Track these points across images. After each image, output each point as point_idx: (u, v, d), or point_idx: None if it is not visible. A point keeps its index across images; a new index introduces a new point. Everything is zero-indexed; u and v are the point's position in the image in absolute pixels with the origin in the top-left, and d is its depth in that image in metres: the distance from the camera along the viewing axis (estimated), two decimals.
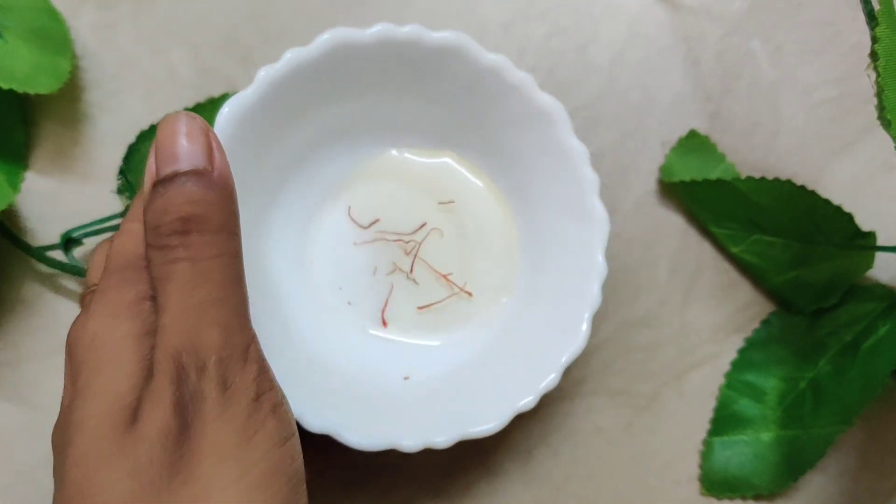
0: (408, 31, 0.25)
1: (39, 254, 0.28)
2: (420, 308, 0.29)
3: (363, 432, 0.25)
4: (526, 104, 0.26)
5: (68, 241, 0.28)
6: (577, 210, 0.26)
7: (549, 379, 0.25)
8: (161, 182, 0.19)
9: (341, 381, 0.27)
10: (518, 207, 0.29)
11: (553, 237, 0.28)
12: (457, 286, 0.29)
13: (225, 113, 0.25)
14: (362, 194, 0.29)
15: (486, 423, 0.25)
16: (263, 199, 0.27)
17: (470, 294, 0.29)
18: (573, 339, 0.25)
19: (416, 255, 0.29)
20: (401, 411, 0.26)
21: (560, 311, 0.26)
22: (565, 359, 0.25)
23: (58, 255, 0.28)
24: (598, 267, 0.26)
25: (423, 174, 0.29)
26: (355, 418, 0.26)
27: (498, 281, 0.29)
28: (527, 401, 0.25)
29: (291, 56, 0.25)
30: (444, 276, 0.29)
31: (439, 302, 0.29)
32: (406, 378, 0.28)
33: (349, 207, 0.29)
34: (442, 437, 0.25)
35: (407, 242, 0.29)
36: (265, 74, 0.25)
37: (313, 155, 0.28)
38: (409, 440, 0.25)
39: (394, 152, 0.29)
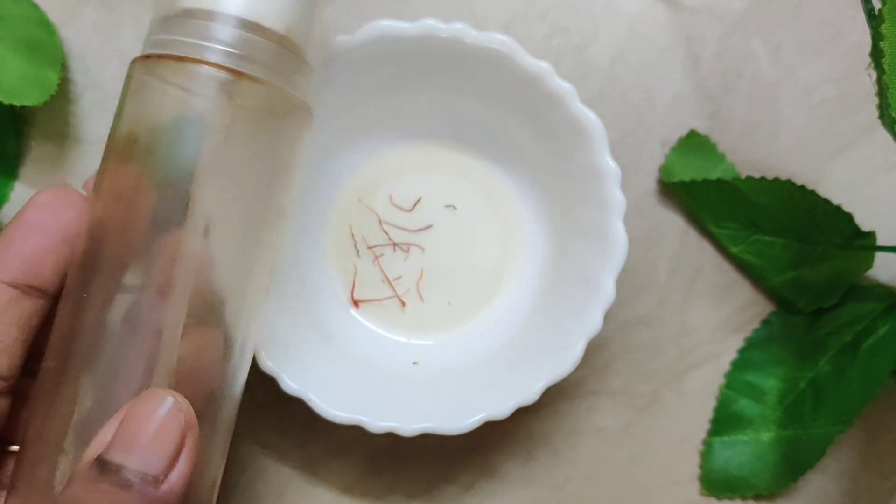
0: (452, 28, 0.25)
1: None
2: (358, 301, 0.29)
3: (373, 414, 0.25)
4: (564, 115, 0.26)
5: None
6: (597, 231, 0.26)
7: (531, 392, 0.25)
8: (101, 463, 0.17)
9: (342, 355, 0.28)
10: (534, 217, 0.29)
11: (567, 253, 0.27)
12: (396, 293, 0.29)
13: None
14: (376, 189, 0.29)
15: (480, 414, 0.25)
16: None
17: (404, 304, 0.29)
18: (564, 360, 0.25)
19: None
20: (405, 395, 0.27)
21: (558, 330, 0.26)
22: (544, 384, 0.25)
23: None
24: (605, 293, 0.25)
25: (440, 173, 0.29)
26: (372, 401, 0.26)
27: (485, 287, 0.29)
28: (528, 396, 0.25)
29: (335, 42, 0.25)
30: (389, 280, 0.29)
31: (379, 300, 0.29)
32: (415, 363, 0.28)
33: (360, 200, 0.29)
34: (443, 425, 0.25)
35: (413, 233, 0.29)
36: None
37: (335, 146, 0.28)
38: (411, 424, 0.25)
39: (412, 148, 0.29)
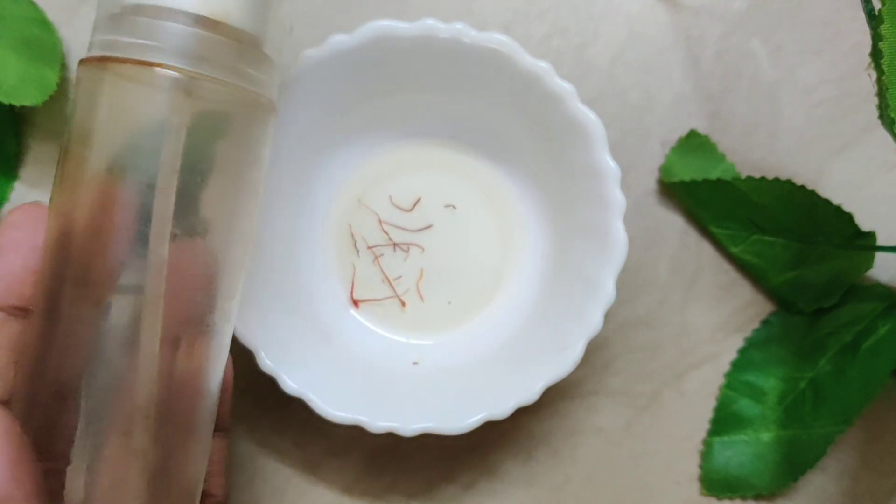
0: (452, 28, 0.25)
1: None
2: (358, 301, 0.29)
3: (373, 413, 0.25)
4: (563, 115, 0.26)
5: None
6: (597, 231, 0.26)
7: (531, 392, 0.25)
8: None
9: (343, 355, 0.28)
10: (534, 217, 0.29)
11: (567, 253, 0.27)
12: (396, 293, 0.29)
13: None
14: (376, 189, 0.29)
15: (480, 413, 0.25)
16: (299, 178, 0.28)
17: (404, 303, 0.29)
18: (564, 360, 0.25)
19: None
20: (406, 395, 0.27)
21: (558, 330, 0.26)
22: (544, 384, 0.25)
23: None
24: (605, 293, 0.25)
25: (440, 173, 0.29)
26: (372, 401, 0.26)
27: (485, 287, 0.29)
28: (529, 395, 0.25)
29: (334, 41, 0.25)
30: (389, 280, 0.29)
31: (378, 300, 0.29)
32: (415, 363, 0.28)
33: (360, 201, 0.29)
34: (443, 425, 0.25)
35: (413, 233, 0.29)
36: (307, 55, 0.25)
37: (334, 145, 0.28)
38: (411, 424, 0.25)
39: (412, 148, 0.29)
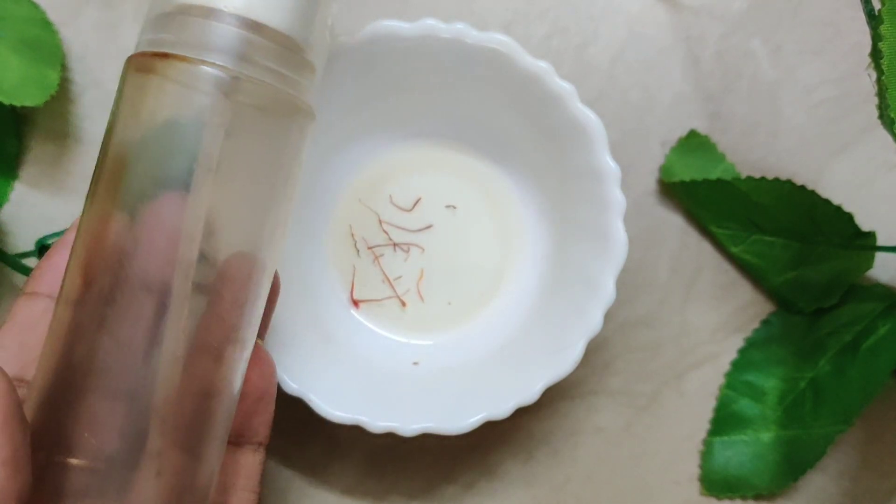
0: (452, 28, 0.25)
1: (14, 261, 0.28)
2: (358, 301, 0.29)
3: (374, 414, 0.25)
4: (564, 115, 0.26)
5: (42, 249, 0.28)
6: (597, 231, 0.26)
7: (531, 392, 0.25)
8: None
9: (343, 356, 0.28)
10: (534, 217, 0.29)
11: (567, 253, 0.27)
12: (396, 293, 0.29)
13: None
14: (376, 189, 0.29)
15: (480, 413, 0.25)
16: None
17: (404, 304, 0.29)
18: (564, 360, 0.25)
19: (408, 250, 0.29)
20: (406, 395, 0.27)
21: (558, 330, 0.26)
22: (544, 384, 0.25)
23: (34, 262, 0.28)
24: (605, 293, 0.25)
25: (440, 173, 0.29)
26: (372, 401, 0.26)
27: (485, 287, 0.29)
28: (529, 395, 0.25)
29: (335, 42, 0.25)
30: (389, 280, 0.29)
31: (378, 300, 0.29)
32: (415, 363, 0.28)
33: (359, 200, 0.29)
34: (443, 425, 0.25)
35: (413, 233, 0.29)
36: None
37: (334, 146, 0.28)
38: (411, 425, 0.25)
39: (412, 148, 0.29)
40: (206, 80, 0.19)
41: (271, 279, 0.21)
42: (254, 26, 0.19)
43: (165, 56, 0.19)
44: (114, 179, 0.19)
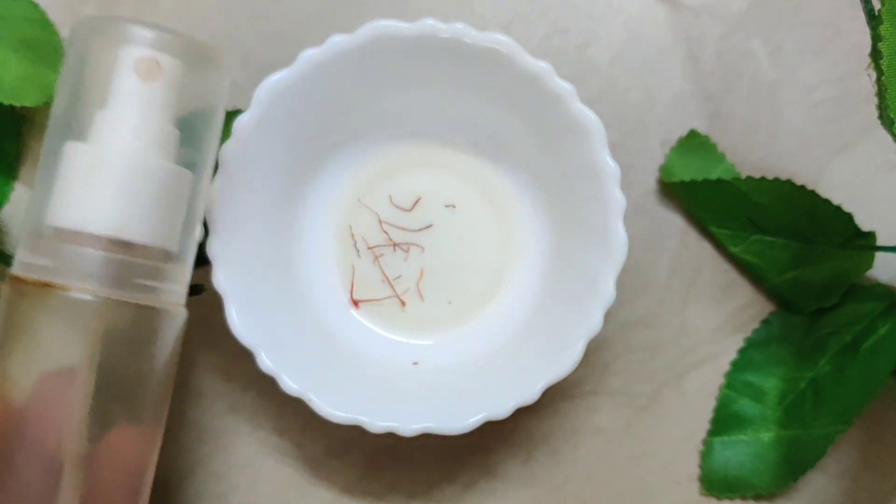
0: (452, 28, 0.25)
1: (13, 261, 0.28)
2: (358, 301, 0.29)
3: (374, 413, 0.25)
4: (563, 115, 0.26)
5: None
6: (597, 231, 0.26)
7: (531, 392, 0.25)
8: None
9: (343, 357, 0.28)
10: (534, 217, 0.29)
11: (567, 253, 0.27)
12: (395, 292, 0.29)
13: (260, 93, 0.25)
14: (376, 189, 0.29)
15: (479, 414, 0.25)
16: (297, 179, 0.28)
17: (404, 303, 0.29)
18: (564, 360, 0.25)
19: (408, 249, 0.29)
20: (406, 395, 0.27)
21: (558, 330, 0.26)
22: (544, 384, 0.25)
23: None
24: (605, 293, 0.25)
25: (440, 173, 0.29)
26: (372, 401, 0.26)
27: (485, 287, 0.29)
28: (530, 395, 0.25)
29: (334, 41, 0.25)
30: (389, 280, 0.29)
31: (378, 300, 0.29)
32: (415, 363, 0.28)
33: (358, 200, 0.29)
34: (443, 425, 0.25)
35: (413, 233, 0.29)
36: (307, 55, 0.25)
37: (334, 145, 0.28)
38: (411, 425, 0.25)
39: (412, 148, 0.29)
40: (78, 305, 0.21)
41: (157, 447, 0.23)
42: (122, 245, 0.21)
43: (31, 282, 0.21)
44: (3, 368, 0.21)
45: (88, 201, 0.21)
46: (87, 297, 0.20)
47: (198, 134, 0.23)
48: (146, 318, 0.22)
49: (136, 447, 0.22)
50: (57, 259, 0.21)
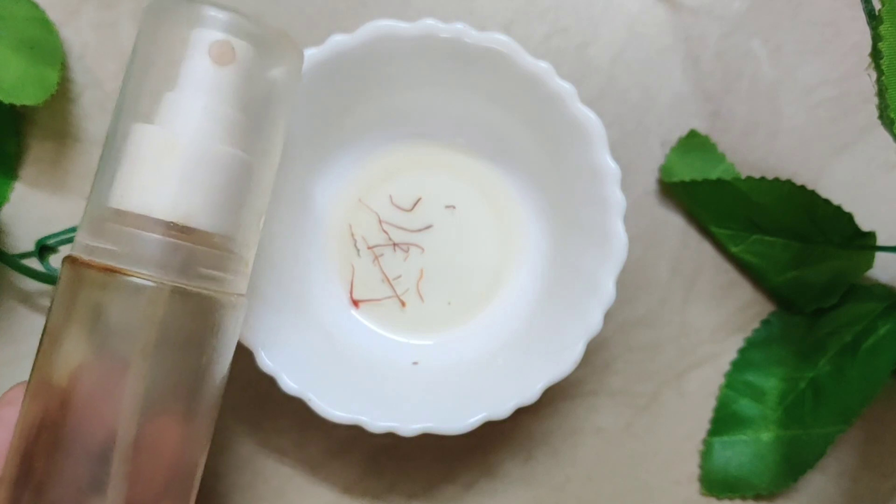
0: (452, 28, 0.25)
1: (14, 261, 0.28)
2: (358, 301, 0.29)
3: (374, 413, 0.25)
4: (564, 115, 0.26)
5: (42, 249, 0.28)
6: (597, 231, 0.26)
7: (531, 392, 0.25)
8: None
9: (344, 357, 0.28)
10: (534, 217, 0.29)
11: (567, 253, 0.27)
12: (395, 292, 0.29)
13: None
14: (376, 189, 0.29)
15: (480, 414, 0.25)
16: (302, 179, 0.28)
17: (404, 303, 0.29)
18: (564, 360, 0.25)
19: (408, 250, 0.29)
20: (406, 395, 0.27)
21: (558, 330, 0.26)
22: (544, 384, 0.25)
23: (33, 263, 0.28)
24: (605, 293, 0.25)
25: (440, 173, 0.29)
26: (372, 401, 0.26)
27: (485, 287, 0.29)
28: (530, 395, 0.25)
29: (334, 41, 0.25)
30: (389, 280, 0.29)
31: (377, 300, 0.29)
32: (415, 363, 0.28)
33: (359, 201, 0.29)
34: (443, 425, 0.25)
35: (413, 233, 0.29)
36: (307, 55, 0.25)
37: (334, 145, 0.28)
38: (411, 424, 0.25)
39: (412, 148, 0.29)
40: (133, 289, 0.20)
41: (208, 443, 0.22)
42: (179, 230, 0.20)
43: (92, 265, 0.20)
44: (49, 373, 0.20)
45: (154, 185, 0.20)
46: (150, 283, 0.20)
47: (265, 122, 0.22)
48: (207, 308, 0.21)
49: (186, 440, 0.21)
50: (120, 243, 0.20)
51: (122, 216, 0.20)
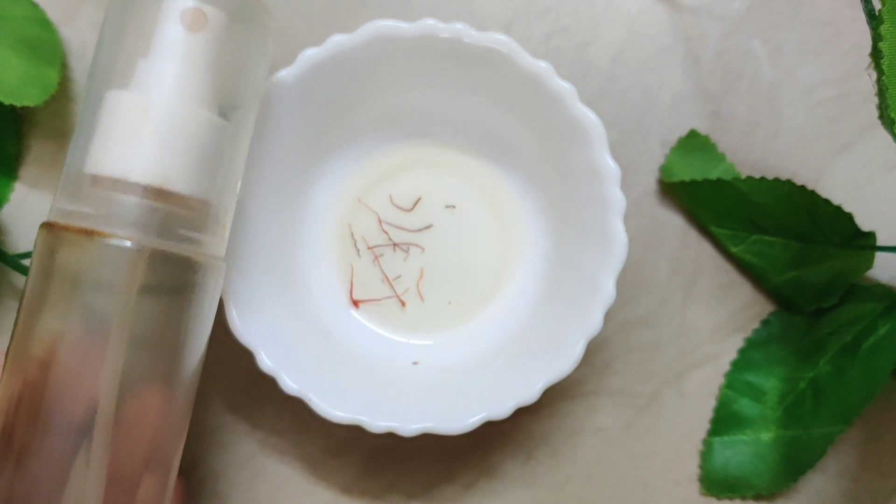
0: (452, 28, 0.25)
1: (13, 261, 0.28)
2: (358, 301, 0.29)
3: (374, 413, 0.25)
4: (563, 115, 0.26)
5: None
6: (597, 231, 0.26)
7: (531, 392, 0.25)
8: None
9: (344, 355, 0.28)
10: (534, 217, 0.29)
11: (567, 253, 0.27)
12: (395, 292, 0.29)
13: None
14: (376, 189, 0.29)
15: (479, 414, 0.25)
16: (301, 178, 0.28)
17: (404, 303, 0.29)
18: (564, 360, 0.25)
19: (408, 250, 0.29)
20: (406, 395, 0.27)
21: (558, 330, 0.26)
22: (544, 384, 0.25)
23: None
24: (605, 293, 0.25)
25: (440, 173, 0.29)
26: (372, 401, 0.26)
27: (485, 287, 0.29)
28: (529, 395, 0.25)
29: (334, 41, 0.25)
30: (389, 280, 0.29)
31: (377, 300, 0.29)
32: (415, 363, 0.28)
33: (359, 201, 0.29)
34: (442, 425, 0.25)
35: (413, 233, 0.29)
36: (307, 55, 0.25)
37: (334, 145, 0.28)
38: (411, 424, 0.25)
39: (412, 148, 0.29)
40: (109, 251, 0.20)
41: (189, 412, 0.22)
42: (162, 194, 0.20)
43: (69, 229, 0.20)
44: (28, 341, 0.20)
45: (130, 149, 0.20)
46: (129, 244, 0.20)
47: (239, 87, 0.23)
48: (187, 270, 0.21)
49: (167, 408, 0.21)
50: (97, 206, 0.20)
51: (98, 181, 0.20)
